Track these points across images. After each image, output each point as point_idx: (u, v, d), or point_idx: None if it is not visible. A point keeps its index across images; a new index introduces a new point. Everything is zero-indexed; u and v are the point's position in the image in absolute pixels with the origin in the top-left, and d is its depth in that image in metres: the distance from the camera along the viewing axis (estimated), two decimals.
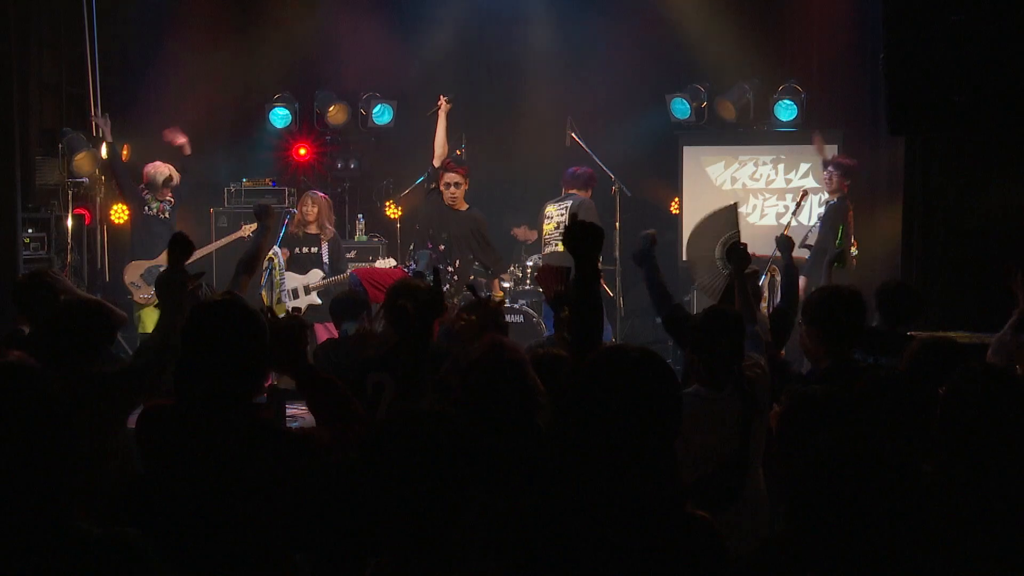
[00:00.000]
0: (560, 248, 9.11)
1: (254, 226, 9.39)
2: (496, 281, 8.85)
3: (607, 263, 10.01)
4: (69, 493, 2.11)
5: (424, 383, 3.71)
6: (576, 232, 3.12)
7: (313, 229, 8.93)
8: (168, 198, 9.10)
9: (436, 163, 8.73)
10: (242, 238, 9.37)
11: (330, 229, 9.02)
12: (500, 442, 2.97)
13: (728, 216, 5.65)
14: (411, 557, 2.18)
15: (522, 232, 10.74)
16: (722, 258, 5.42)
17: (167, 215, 9.09)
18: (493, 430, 2.99)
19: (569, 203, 9.34)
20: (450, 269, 8.26)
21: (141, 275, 8.90)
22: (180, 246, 4.36)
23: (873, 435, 2.20)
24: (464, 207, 8.59)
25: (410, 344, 3.71)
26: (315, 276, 8.81)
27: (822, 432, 2.54)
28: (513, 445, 2.97)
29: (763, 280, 8.57)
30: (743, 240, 5.26)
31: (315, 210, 8.92)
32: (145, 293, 8.77)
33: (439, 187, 8.55)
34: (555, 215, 9.43)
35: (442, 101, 8.88)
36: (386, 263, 8.91)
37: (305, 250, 8.89)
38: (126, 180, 9.13)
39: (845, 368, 4.32)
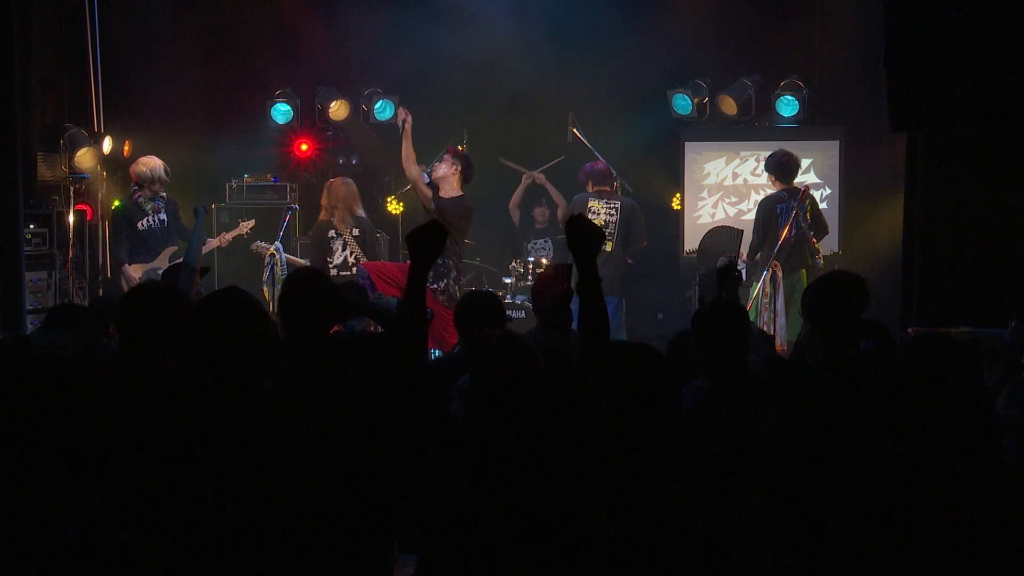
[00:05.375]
0: (608, 248, 9.08)
1: (251, 223, 9.43)
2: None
3: None
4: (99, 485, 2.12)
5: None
6: (582, 232, 3.20)
7: None
8: (161, 193, 9.00)
9: (415, 170, 8.42)
10: (240, 235, 9.36)
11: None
12: (505, 438, 2.98)
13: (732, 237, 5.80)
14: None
15: (540, 213, 10.73)
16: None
17: (163, 217, 8.97)
18: (500, 426, 3.01)
19: (619, 204, 9.39)
20: (450, 263, 8.17)
21: (138, 279, 8.84)
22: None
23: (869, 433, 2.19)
24: (452, 194, 8.32)
25: None
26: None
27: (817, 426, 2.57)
28: (518, 441, 2.98)
29: (765, 276, 8.60)
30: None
31: None
32: None
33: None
34: (602, 212, 9.34)
35: (404, 114, 8.65)
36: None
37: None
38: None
39: (840, 359, 4.31)
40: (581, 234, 3.26)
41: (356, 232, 8.73)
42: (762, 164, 10.88)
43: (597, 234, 3.30)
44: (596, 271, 3.24)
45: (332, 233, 8.68)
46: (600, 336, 3.13)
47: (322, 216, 8.83)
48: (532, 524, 2.38)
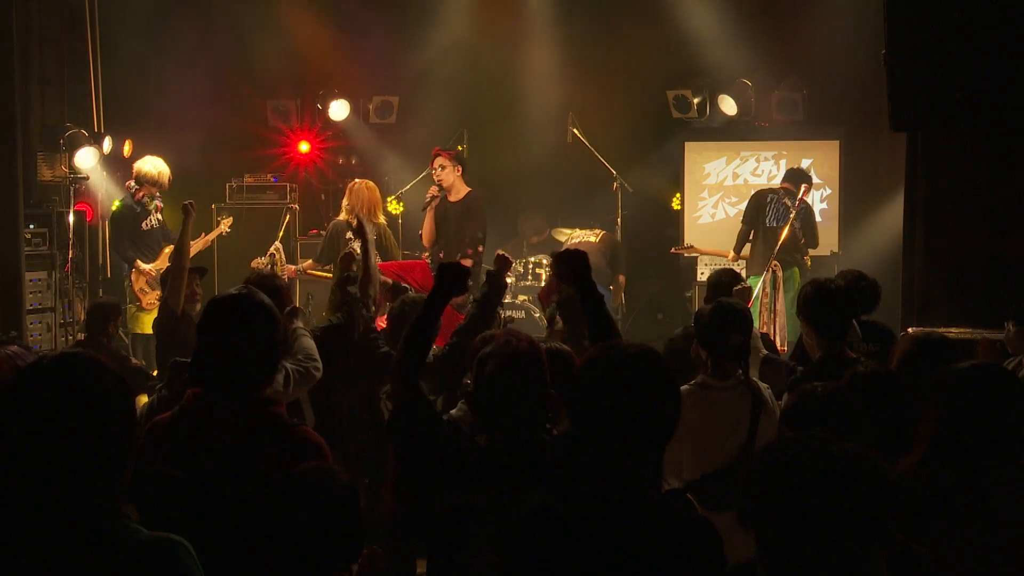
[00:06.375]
0: (593, 239, 9.58)
1: (230, 220, 9.44)
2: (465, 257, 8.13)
3: None
4: (121, 493, 2.09)
5: None
6: (564, 261, 3.42)
7: None
8: (157, 193, 8.97)
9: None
10: (222, 233, 9.38)
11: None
12: (510, 440, 2.99)
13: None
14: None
15: (536, 239, 10.79)
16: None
17: (160, 217, 8.95)
18: (504, 427, 3.01)
19: (601, 231, 9.88)
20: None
21: (147, 282, 8.78)
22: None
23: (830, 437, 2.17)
24: (460, 194, 8.44)
25: None
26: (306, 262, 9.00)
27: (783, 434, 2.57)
28: (523, 443, 2.99)
29: (765, 276, 8.60)
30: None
31: None
32: (152, 299, 8.63)
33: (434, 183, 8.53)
34: (583, 229, 9.83)
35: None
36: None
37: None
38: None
39: (836, 360, 4.32)
40: (564, 262, 3.43)
41: (373, 236, 8.60)
42: (762, 164, 10.93)
43: (578, 254, 3.45)
44: (595, 290, 3.39)
45: (350, 234, 8.51)
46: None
47: (341, 216, 8.53)
48: (531, 524, 2.38)
